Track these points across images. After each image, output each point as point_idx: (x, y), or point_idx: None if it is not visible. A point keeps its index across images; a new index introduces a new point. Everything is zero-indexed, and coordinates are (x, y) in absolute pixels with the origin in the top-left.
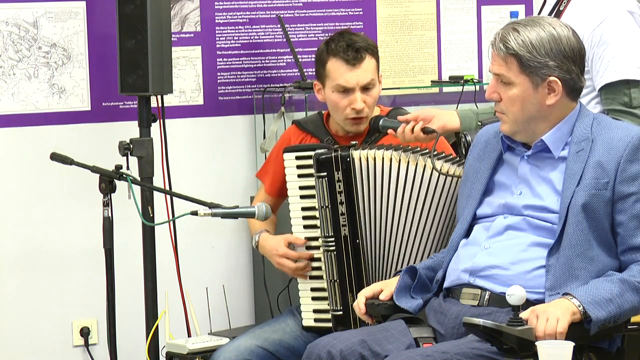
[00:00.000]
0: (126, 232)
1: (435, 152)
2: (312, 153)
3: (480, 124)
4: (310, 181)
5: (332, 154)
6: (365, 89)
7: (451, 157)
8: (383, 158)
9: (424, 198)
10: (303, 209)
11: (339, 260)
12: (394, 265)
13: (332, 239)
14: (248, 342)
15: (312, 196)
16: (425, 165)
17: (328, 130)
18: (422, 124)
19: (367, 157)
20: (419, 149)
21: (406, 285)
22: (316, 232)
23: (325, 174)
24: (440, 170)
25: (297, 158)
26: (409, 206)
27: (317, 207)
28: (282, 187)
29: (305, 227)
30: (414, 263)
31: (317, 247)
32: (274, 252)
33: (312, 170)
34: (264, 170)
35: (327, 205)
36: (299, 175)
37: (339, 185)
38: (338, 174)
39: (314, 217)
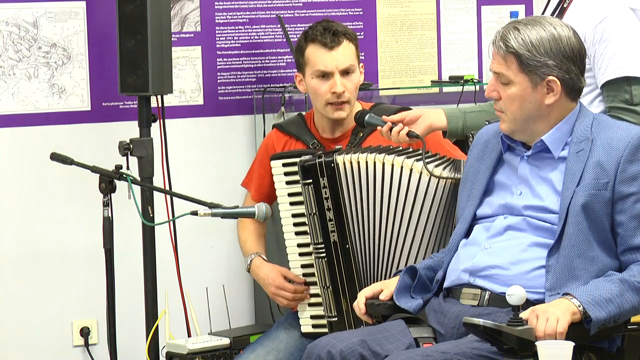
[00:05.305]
0: (126, 232)
1: (423, 154)
2: (298, 160)
3: (487, 122)
4: (299, 188)
5: (317, 161)
6: (345, 73)
7: (438, 156)
8: (370, 162)
9: (405, 198)
10: (294, 215)
11: (330, 266)
12: (385, 268)
13: (322, 245)
14: None
15: (302, 202)
16: (402, 166)
17: (311, 131)
18: (408, 127)
19: (352, 162)
20: (401, 149)
21: (406, 285)
22: (308, 238)
23: (310, 180)
24: (441, 175)
25: (284, 165)
26: (396, 208)
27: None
28: (269, 192)
29: (297, 233)
30: (406, 265)
31: (310, 254)
32: (270, 282)
33: (299, 177)
34: (248, 178)
35: (314, 212)
36: (287, 182)
37: (325, 192)
38: (323, 180)
39: (304, 224)
